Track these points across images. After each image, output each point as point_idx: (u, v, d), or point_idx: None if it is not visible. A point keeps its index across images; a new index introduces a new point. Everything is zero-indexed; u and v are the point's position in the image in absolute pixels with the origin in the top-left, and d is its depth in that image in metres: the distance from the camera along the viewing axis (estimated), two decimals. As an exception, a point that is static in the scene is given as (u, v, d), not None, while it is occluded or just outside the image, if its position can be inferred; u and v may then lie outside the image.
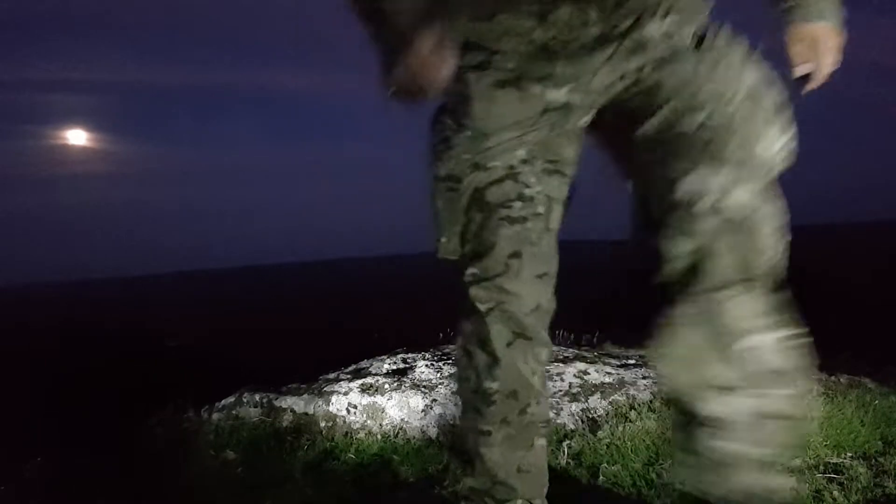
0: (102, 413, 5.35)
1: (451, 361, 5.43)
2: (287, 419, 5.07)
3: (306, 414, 5.07)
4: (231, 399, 5.30)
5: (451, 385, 5.05)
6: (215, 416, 5.18)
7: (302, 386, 5.44)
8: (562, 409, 4.56)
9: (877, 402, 4.00)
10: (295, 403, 5.15)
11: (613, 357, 5.48)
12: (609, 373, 4.99)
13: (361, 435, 4.80)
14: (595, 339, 6.98)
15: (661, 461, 3.45)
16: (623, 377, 4.92)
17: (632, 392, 4.69)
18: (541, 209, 1.77)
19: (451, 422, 4.72)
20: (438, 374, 5.22)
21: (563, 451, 3.86)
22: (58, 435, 4.88)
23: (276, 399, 5.20)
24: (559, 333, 7.13)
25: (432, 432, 4.73)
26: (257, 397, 5.25)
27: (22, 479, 4.18)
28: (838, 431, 3.54)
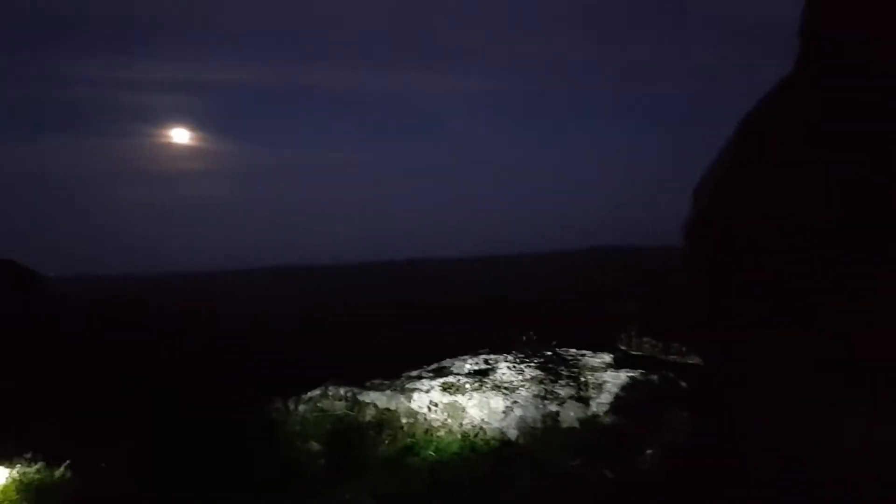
0: (193, 400, 5.62)
1: (533, 364, 5.39)
2: (370, 413, 5.18)
3: (388, 409, 5.16)
4: (317, 391, 5.47)
5: (532, 388, 5.01)
6: (301, 407, 5.35)
7: (385, 382, 5.55)
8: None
9: None
10: (378, 399, 5.25)
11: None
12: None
13: (442, 433, 4.84)
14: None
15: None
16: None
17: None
18: None
19: (532, 424, 4.69)
20: (520, 377, 5.19)
21: None
22: (148, 421, 5.16)
23: (360, 393, 5.32)
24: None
25: (512, 434, 4.71)
26: (342, 391, 5.39)
27: (111, 462, 4.46)
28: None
